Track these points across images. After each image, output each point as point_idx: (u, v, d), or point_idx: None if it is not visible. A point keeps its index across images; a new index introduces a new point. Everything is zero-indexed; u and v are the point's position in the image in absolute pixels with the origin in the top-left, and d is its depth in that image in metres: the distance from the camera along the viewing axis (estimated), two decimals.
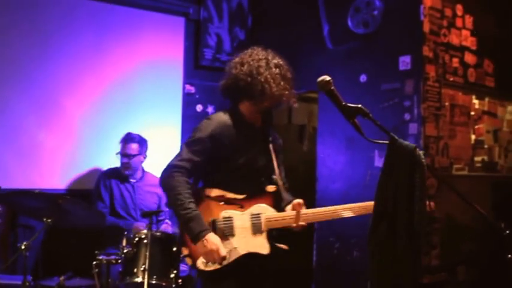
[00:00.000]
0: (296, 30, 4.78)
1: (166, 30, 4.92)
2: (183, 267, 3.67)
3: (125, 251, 3.28)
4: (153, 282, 3.21)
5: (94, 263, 3.23)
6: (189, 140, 2.68)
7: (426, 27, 3.89)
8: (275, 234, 2.72)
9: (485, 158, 4.39)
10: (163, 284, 3.27)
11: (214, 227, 2.60)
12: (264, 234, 2.64)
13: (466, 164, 4.18)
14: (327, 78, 2.20)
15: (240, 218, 2.65)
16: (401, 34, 4.00)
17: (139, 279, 3.22)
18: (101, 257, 3.24)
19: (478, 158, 4.31)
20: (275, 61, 2.74)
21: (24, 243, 3.21)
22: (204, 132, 2.66)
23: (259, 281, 2.74)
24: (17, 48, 4.20)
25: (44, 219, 3.28)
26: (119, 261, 3.27)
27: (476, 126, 4.31)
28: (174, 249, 3.40)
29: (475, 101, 4.31)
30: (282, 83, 2.69)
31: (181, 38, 4.99)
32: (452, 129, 4.07)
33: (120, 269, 3.31)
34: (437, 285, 3.81)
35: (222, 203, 2.65)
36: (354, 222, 3.72)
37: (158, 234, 3.42)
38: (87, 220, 3.52)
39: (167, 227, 4.07)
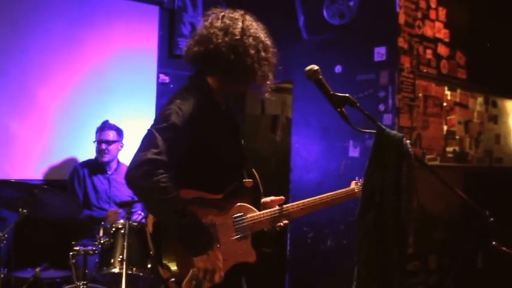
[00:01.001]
0: (271, 20, 4.73)
1: (140, 19, 4.86)
2: None
3: (102, 241, 3.25)
4: (131, 272, 3.19)
5: (71, 253, 3.19)
6: (160, 126, 2.08)
7: (401, 19, 3.93)
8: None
9: (457, 148, 4.48)
10: (141, 274, 3.25)
11: None
12: (249, 239, 2.28)
13: (438, 155, 4.26)
14: (315, 67, 2.20)
15: (223, 224, 2.21)
16: (377, 25, 4.03)
17: (116, 270, 3.20)
18: (77, 248, 3.20)
19: (449, 149, 4.40)
20: (267, 42, 2.33)
21: None
22: (179, 116, 2.10)
23: None
24: None
25: (20, 210, 3.22)
26: (96, 251, 3.23)
27: (448, 117, 4.39)
28: None
29: (447, 92, 4.39)
30: (266, 70, 2.29)
31: (156, 27, 4.94)
32: (425, 120, 4.14)
33: (97, 260, 3.28)
34: (411, 273, 3.88)
35: (202, 207, 2.16)
36: (327, 212, 3.77)
37: (135, 224, 3.39)
38: (63, 210, 3.47)
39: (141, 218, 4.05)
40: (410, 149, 2.06)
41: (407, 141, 2.06)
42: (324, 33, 4.36)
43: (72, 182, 4.08)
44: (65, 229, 3.84)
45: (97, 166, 4.16)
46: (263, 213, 2.35)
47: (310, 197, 2.56)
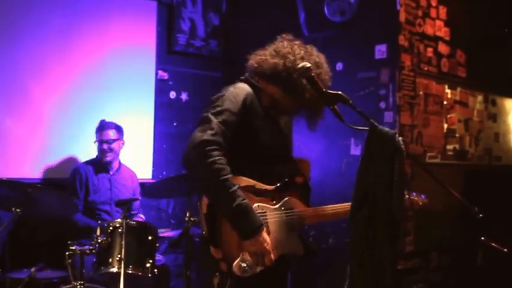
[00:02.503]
0: (272, 17, 4.73)
1: (138, 15, 4.79)
2: (158, 257, 3.63)
3: (100, 240, 3.21)
4: (129, 271, 3.15)
5: (67, 253, 3.14)
6: (215, 110, 2.17)
7: (402, 17, 3.90)
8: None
9: (457, 146, 4.46)
10: (140, 273, 3.22)
11: None
12: (296, 233, 2.34)
13: (438, 152, 4.24)
14: (308, 64, 2.23)
15: (274, 213, 2.27)
16: (378, 23, 4.00)
17: (114, 269, 3.16)
18: (74, 247, 3.15)
19: (450, 147, 4.38)
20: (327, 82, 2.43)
21: None
22: (233, 103, 2.22)
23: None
24: None
25: (13, 209, 3.16)
26: (93, 251, 3.19)
27: (448, 116, 4.37)
28: (150, 238, 3.35)
29: (448, 91, 4.37)
30: (317, 105, 2.41)
31: (154, 23, 4.87)
32: (426, 118, 4.12)
33: (95, 259, 3.24)
34: (411, 271, 3.86)
35: (254, 195, 2.23)
36: None
37: (133, 223, 3.35)
38: (58, 210, 3.42)
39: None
40: (402, 146, 2.05)
41: (400, 138, 2.05)
42: (324, 31, 4.32)
43: (74, 181, 4.01)
44: (61, 228, 3.78)
45: (99, 166, 4.10)
46: (311, 210, 2.45)
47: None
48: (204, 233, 2.19)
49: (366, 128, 2.08)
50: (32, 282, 3.26)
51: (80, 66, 4.43)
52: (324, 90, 2.14)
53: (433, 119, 4.18)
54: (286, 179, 2.37)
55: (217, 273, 2.22)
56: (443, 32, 4.29)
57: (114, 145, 4.07)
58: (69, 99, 4.35)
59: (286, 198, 2.35)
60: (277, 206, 2.31)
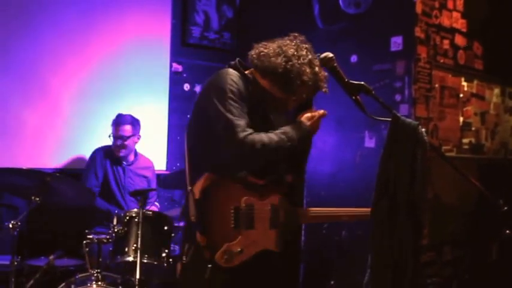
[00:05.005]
0: (286, 9, 4.73)
1: (152, 7, 4.81)
2: (173, 247, 3.65)
3: (116, 229, 3.23)
4: (145, 261, 3.17)
5: (84, 242, 3.17)
6: (224, 101, 2.19)
7: (418, 8, 3.88)
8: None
9: (473, 140, 4.44)
10: (155, 263, 3.24)
11: (237, 216, 2.23)
12: (278, 230, 2.35)
13: (454, 146, 4.22)
14: (330, 54, 2.23)
15: (261, 209, 2.30)
16: (393, 15, 3.98)
17: (130, 258, 3.19)
18: (91, 236, 3.18)
19: (465, 140, 4.35)
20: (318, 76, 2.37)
21: (12, 222, 3.14)
22: (234, 91, 2.22)
23: (272, 279, 2.46)
24: None
25: (32, 198, 3.21)
26: (110, 240, 3.22)
27: (464, 109, 4.34)
28: (166, 228, 3.37)
29: (464, 83, 4.34)
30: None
31: (168, 16, 4.89)
32: (441, 111, 4.09)
33: (111, 248, 3.27)
34: (426, 264, 3.85)
35: (245, 187, 2.27)
36: (342, 203, 3.74)
37: (149, 213, 3.38)
38: (76, 199, 3.45)
39: (155, 209, 4.04)
40: (425, 138, 2.04)
41: (423, 130, 2.05)
42: (339, 23, 4.30)
43: (94, 163, 4.08)
44: (79, 217, 3.82)
45: (113, 155, 4.13)
46: (297, 210, 2.45)
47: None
48: (192, 218, 2.19)
49: (388, 119, 2.07)
50: (49, 270, 3.30)
51: (96, 59, 4.46)
52: (347, 80, 2.14)
53: (448, 112, 4.16)
54: (277, 176, 2.37)
55: (184, 259, 2.29)
56: (460, 23, 4.26)
57: (128, 141, 4.07)
58: (85, 91, 4.39)
59: (273, 195, 2.34)
60: (264, 202, 2.31)
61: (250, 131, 2.18)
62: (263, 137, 2.19)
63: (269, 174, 2.34)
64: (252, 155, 2.18)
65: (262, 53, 2.30)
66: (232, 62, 2.39)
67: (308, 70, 2.27)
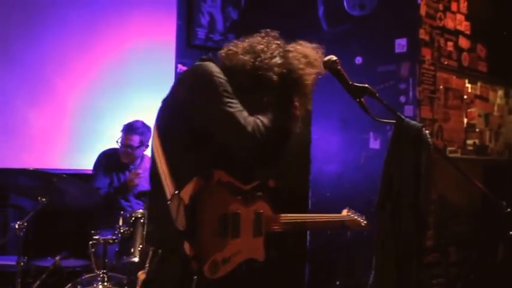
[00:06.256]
0: (290, 11, 4.75)
1: (158, 9, 4.85)
2: None
3: (122, 230, 3.26)
4: None
5: (90, 242, 3.20)
6: (219, 98, 2.02)
7: (423, 11, 3.89)
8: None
9: (477, 141, 4.44)
10: None
11: (224, 224, 2.07)
12: (263, 238, 2.26)
13: (459, 147, 4.23)
14: (334, 57, 2.21)
15: (246, 216, 2.17)
16: (398, 17, 3.99)
17: (136, 259, 3.21)
18: (97, 237, 3.21)
19: (470, 141, 4.36)
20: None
21: (19, 222, 3.17)
22: (224, 83, 2.05)
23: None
24: (5, 27, 4.11)
25: (39, 199, 3.24)
26: (116, 240, 3.24)
27: (468, 110, 4.35)
28: None
29: (468, 85, 4.35)
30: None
31: (174, 17, 4.92)
32: (446, 113, 4.10)
33: (117, 249, 3.29)
34: (431, 265, 3.86)
35: (231, 193, 2.13)
36: (348, 203, 3.75)
37: None
38: (82, 199, 3.48)
39: None
40: (429, 139, 2.05)
41: (427, 132, 2.05)
42: (344, 24, 4.32)
43: (101, 166, 4.09)
44: (85, 218, 3.85)
45: (119, 159, 4.13)
46: (278, 216, 2.34)
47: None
48: (181, 226, 1.97)
49: (393, 121, 2.08)
50: (55, 271, 3.33)
51: (102, 60, 4.50)
52: (351, 82, 2.14)
53: (453, 113, 4.17)
54: (261, 181, 2.25)
55: (146, 267, 2.09)
56: (464, 26, 4.27)
57: (136, 151, 4.07)
58: (91, 92, 4.43)
59: (258, 202, 2.24)
60: (249, 209, 2.19)
61: (252, 118, 2.04)
62: (261, 126, 2.03)
63: (253, 178, 2.22)
64: (264, 141, 2.02)
65: (230, 52, 2.18)
66: (206, 57, 2.21)
67: (278, 68, 2.13)
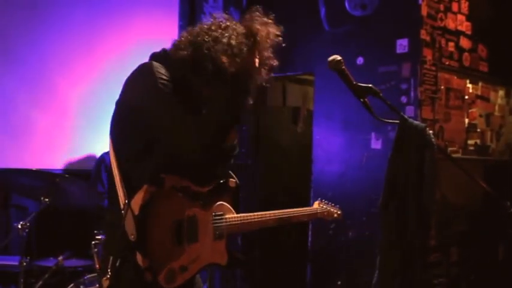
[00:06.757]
0: (292, 12, 4.75)
1: (160, 9, 4.87)
2: None
3: None
4: None
5: (93, 242, 3.19)
6: (164, 102, 2.00)
7: (424, 11, 3.90)
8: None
9: (478, 141, 4.45)
10: None
11: (178, 229, 2.01)
12: (224, 241, 2.20)
13: (460, 147, 4.24)
14: (338, 57, 2.22)
15: (204, 220, 2.11)
16: (399, 17, 4.00)
17: None
18: (99, 237, 3.20)
19: (471, 142, 4.37)
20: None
21: (21, 223, 3.18)
22: (166, 84, 2.02)
23: None
24: (6, 26, 4.11)
25: (41, 199, 3.24)
26: None
27: (469, 110, 4.36)
28: None
29: (469, 85, 4.36)
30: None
31: (176, 17, 4.94)
32: (447, 113, 4.11)
33: None
34: (432, 265, 3.87)
35: (187, 198, 2.07)
36: (349, 203, 3.76)
37: None
38: (85, 199, 3.49)
39: None
40: (433, 140, 2.06)
41: (430, 132, 2.06)
42: (345, 25, 4.32)
43: (99, 171, 4.08)
44: (87, 218, 3.85)
45: None
46: (241, 216, 2.29)
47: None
48: (132, 237, 1.91)
49: (396, 121, 2.09)
50: (58, 271, 3.33)
51: (104, 60, 4.50)
52: (355, 82, 2.15)
53: (454, 113, 4.18)
54: (221, 182, 2.21)
55: (107, 276, 1.99)
56: (465, 26, 4.28)
57: None
58: (93, 93, 4.43)
59: (217, 203, 2.19)
60: (208, 211, 2.14)
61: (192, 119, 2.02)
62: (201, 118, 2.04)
63: (212, 180, 2.18)
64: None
65: (174, 46, 2.15)
66: (157, 52, 2.21)
67: (225, 56, 2.07)
